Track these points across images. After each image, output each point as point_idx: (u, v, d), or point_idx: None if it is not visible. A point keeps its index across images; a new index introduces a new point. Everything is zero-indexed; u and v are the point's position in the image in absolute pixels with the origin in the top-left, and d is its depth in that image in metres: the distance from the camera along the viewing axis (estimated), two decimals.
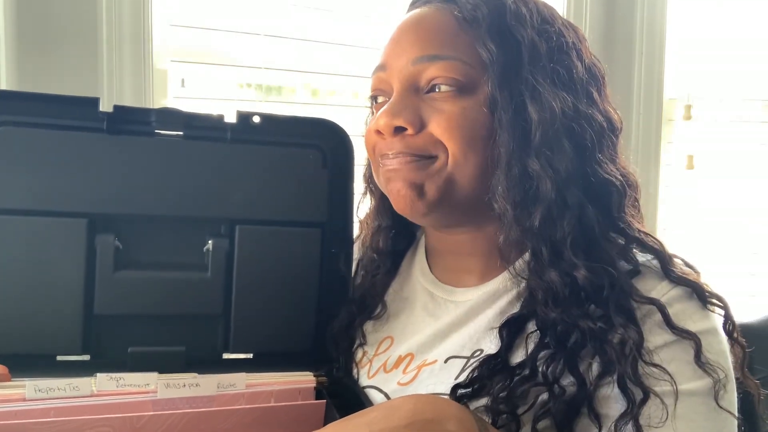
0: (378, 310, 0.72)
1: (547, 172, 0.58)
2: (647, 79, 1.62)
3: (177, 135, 0.64)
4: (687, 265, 0.63)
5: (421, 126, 0.61)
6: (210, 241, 0.65)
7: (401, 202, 0.62)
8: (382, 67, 0.65)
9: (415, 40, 0.63)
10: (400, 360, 0.67)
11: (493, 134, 0.60)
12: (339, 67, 1.38)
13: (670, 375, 0.54)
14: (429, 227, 0.71)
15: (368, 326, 0.72)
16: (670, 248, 0.64)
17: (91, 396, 0.57)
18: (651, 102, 1.63)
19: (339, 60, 1.37)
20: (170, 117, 0.64)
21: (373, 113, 0.70)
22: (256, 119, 0.66)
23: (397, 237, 0.74)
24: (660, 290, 0.59)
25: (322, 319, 0.70)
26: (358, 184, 0.72)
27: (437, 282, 0.70)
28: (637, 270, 0.60)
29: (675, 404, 0.54)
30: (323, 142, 0.68)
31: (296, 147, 0.67)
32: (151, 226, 0.64)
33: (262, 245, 0.66)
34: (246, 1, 1.28)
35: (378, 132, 0.63)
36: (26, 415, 0.54)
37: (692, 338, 0.55)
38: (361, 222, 0.77)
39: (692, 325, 0.57)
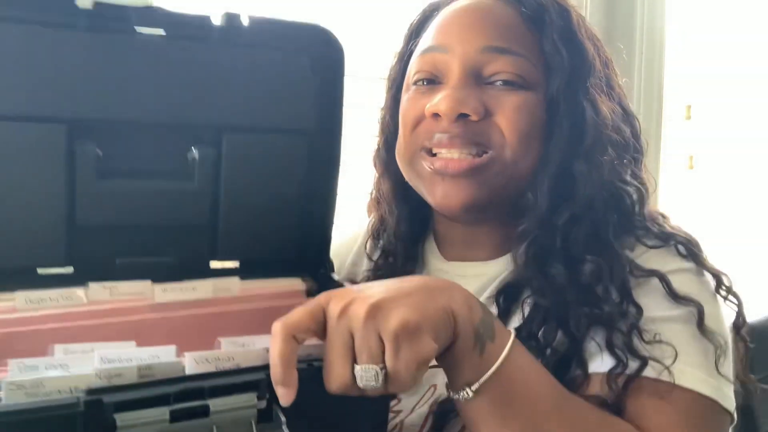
0: None
1: (591, 175, 0.60)
2: (647, 79, 1.62)
3: (158, 35, 0.60)
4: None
5: (485, 114, 0.61)
6: (195, 150, 0.62)
7: (449, 209, 0.63)
8: (442, 48, 0.64)
9: (484, 28, 0.62)
10: None
11: (547, 134, 0.62)
12: None
13: (673, 348, 0.56)
14: (445, 218, 0.71)
15: None
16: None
17: (85, 305, 0.56)
18: (651, 102, 1.63)
19: None
20: (151, 14, 0.59)
21: (396, 90, 0.71)
22: (245, 21, 0.62)
23: (413, 221, 0.75)
24: (641, 247, 0.62)
25: (308, 227, 0.68)
26: (347, 93, 0.70)
27: (444, 260, 0.72)
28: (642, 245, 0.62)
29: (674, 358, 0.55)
30: (313, 48, 0.65)
31: (285, 52, 0.64)
32: (134, 132, 0.61)
33: (249, 153, 0.64)
34: (246, 1, 1.28)
35: (435, 115, 0.62)
36: (22, 324, 0.53)
37: (695, 305, 0.57)
38: (369, 206, 0.78)
39: (664, 264, 0.60)
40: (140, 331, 0.56)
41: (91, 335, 0.54)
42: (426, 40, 0.67)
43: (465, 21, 0.64)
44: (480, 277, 0.67)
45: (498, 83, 0.62)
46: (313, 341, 0.48)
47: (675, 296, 0.57)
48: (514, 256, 0.64)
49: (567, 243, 0.60)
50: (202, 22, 0.61)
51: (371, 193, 0.80)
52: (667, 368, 0.54)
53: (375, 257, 0.77)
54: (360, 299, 0.45)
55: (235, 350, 0.50)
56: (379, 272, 0.75)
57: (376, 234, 0.78)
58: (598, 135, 0.61)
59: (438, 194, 0.63)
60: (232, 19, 0.62)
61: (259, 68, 0.63)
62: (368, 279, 0.75)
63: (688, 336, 0.57)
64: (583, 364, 0.57)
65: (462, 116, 0.61)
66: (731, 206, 1.77)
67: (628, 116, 0.66)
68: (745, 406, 0.62)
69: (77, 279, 0.59)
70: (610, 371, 0.55)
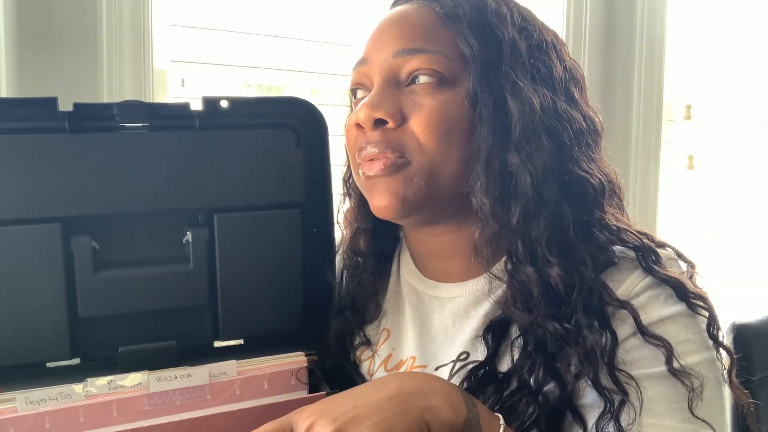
0: (373, 312, 0.72)
1: (526, 167, 0.58)
2: (647, 79, 1.62)
3: (143, 127, 0.62)
4: (679, 255, 0.63)
5: (401, 120, 0.61)
6: (188, 232, 0.64)
7: (382, 212, 0.62)
8: (363, 62, 0.65)
9: (396, 34, 0.63)
10: (401, 363, 0.68)
11: (473, 129, 0.60)
12: (339, 67, 1.38)
13: (636, 381, 0.54)
14: (409, 229, 0.70)
15: (369, 329, 0.72)
16: (663, 238, 0.63)
17: (84, 400, 0.56)
18: (651, 102, 1.63)
19: (339, 60, 1.37)
20: (134, 109, 0.61)
21: (352, 109, 0.69)
22: (224, 104, 0.64)
23: (380, 238, 0.74)
24: (634, 280, 0.59)
25: (310, 299, 0.69)
26: (335, 161, 0.72)
27: (422, 277, 0.70)
28: (611, 261, 0.59)
29: (640, 410, 0.54)
30: (295, 121, 0.67)
31: (268, 128, 0.66)
32: (127, 223, 0.63)
33: (242, 231, 0.65)
34: (246, 1, 1.28)
35: (358, 125, 0.62)
36: (22, 424, 0.53)
37: (664, 345, 0.55)
38: (342, 225, 0.76)
39: (663, 309, 0.57)
40: None
41: None
42: (356, 56, 0.68)
43: (380, 32, 0.64)
44: (455, 299, 0.66)
45: (416, 82, 0.61)
46: None
47: (645, 335, 0.55)
48: (489, 276, 0.62)
49: (530, 244, 0.58)
50: (183, 110, 0.63)
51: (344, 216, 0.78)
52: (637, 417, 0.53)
53: (346, 274, 0.75)
54: (324, 421, 0.45)
55: None
56: (345, 298, 0.73)
57: (346, 252, 0.76)
58: (526, 123, 0.58)
59: (373, 201, 0.62)
60: (211, 103, 0.63)
61: (243, 147, 0.65)
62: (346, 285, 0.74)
63: (658, 380, 0.55)
64: (576, 414, 0.55)
65: (380, 123, 0.61)
66: (731, 206, 1.77)
67: (575, 104, 0.63)
68: (737, 421, 0.60)
69: (84, 369, 0.61)
70: (600, 417, 0.54)
